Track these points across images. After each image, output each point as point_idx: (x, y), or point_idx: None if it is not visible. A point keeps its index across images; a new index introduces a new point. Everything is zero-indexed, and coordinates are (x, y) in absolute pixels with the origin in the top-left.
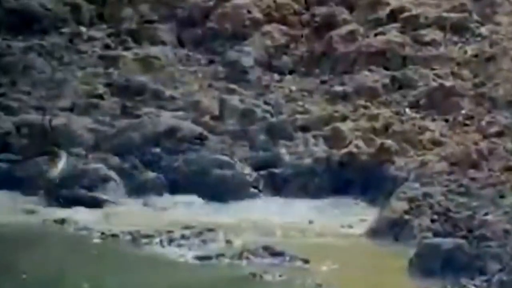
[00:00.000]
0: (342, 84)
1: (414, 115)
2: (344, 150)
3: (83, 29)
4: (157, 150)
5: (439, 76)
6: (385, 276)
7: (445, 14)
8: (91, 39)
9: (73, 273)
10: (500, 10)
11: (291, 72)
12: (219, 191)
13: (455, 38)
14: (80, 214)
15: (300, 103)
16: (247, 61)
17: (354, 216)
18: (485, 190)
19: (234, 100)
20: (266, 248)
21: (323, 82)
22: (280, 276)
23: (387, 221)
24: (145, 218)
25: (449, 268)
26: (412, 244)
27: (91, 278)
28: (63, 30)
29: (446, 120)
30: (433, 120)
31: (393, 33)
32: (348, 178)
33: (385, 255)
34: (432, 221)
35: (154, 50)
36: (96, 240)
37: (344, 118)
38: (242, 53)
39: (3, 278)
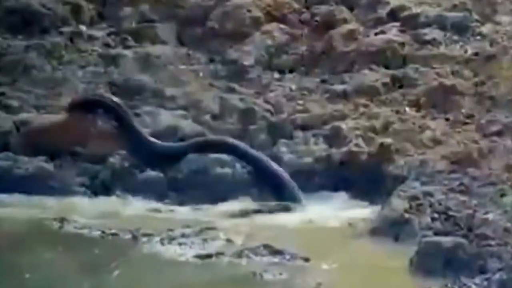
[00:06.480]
0: (342, 83)
1: (414, 114)
2: (344, 149)
3: (83, 28)
4: None
5: (439, 75)
6: (385, 275)
7: (445, 13)
8: (91, 38)
9: (72, 272)
10: (501, 9)
11: (291, 71)
12: (220, 189)
13: (456, 37)
14: (80, 213)
15: (300, 102)
16: (247, 60)
17: (354, 215)
18: (486, 188)
19: (234, 99)
20: (266, 247)
21: (323, 81)
22: (280, 274)
23: (387, 220)
24: (145, 216)
25: (450, 267)
26: (413, 243)
27: (91, 277)
28: (63, 29)
29: (447, 119)
30: (434, 118)
31: (393, 32)
32: (348, 177)
33: (385, 254)
34: (433, 219)
35: (154, 49)
36: (96, 239)
37: (344, 117)
38: (242, 52)
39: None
